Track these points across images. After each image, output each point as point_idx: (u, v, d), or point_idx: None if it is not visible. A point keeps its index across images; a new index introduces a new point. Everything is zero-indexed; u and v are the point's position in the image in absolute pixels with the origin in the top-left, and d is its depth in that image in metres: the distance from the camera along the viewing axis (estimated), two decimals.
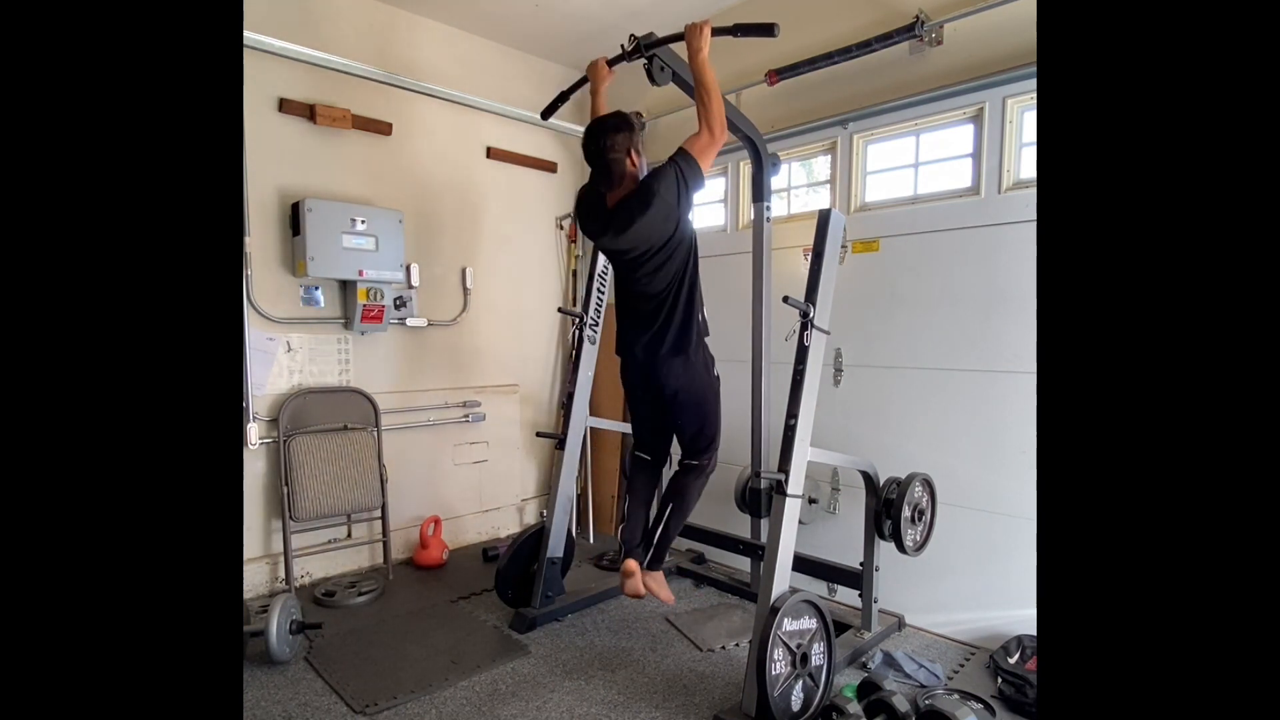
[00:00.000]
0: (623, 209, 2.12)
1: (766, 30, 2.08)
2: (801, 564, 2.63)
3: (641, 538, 2.43)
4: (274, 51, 2.95)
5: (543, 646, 2.60)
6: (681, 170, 2.08)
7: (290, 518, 3.01)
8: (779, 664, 2.01)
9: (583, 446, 3.59)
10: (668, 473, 2.59)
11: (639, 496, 2.51)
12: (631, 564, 2.34)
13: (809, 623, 2.12)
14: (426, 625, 2.77)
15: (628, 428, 3.56)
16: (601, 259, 2.81)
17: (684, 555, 3.52)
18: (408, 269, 3.41)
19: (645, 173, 2.15)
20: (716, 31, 2.12)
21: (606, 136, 2.09)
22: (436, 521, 3.47)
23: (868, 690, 2.07)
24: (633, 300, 2.29)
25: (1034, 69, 2.40)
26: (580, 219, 2.31)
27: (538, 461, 4.16)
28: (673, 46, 2.26)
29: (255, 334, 2.98)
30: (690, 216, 2.20)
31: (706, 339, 2.31)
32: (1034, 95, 2.48)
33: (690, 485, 2.35)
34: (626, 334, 2.34)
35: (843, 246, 2.75)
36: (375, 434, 3.28)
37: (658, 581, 2.40)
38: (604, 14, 3.42)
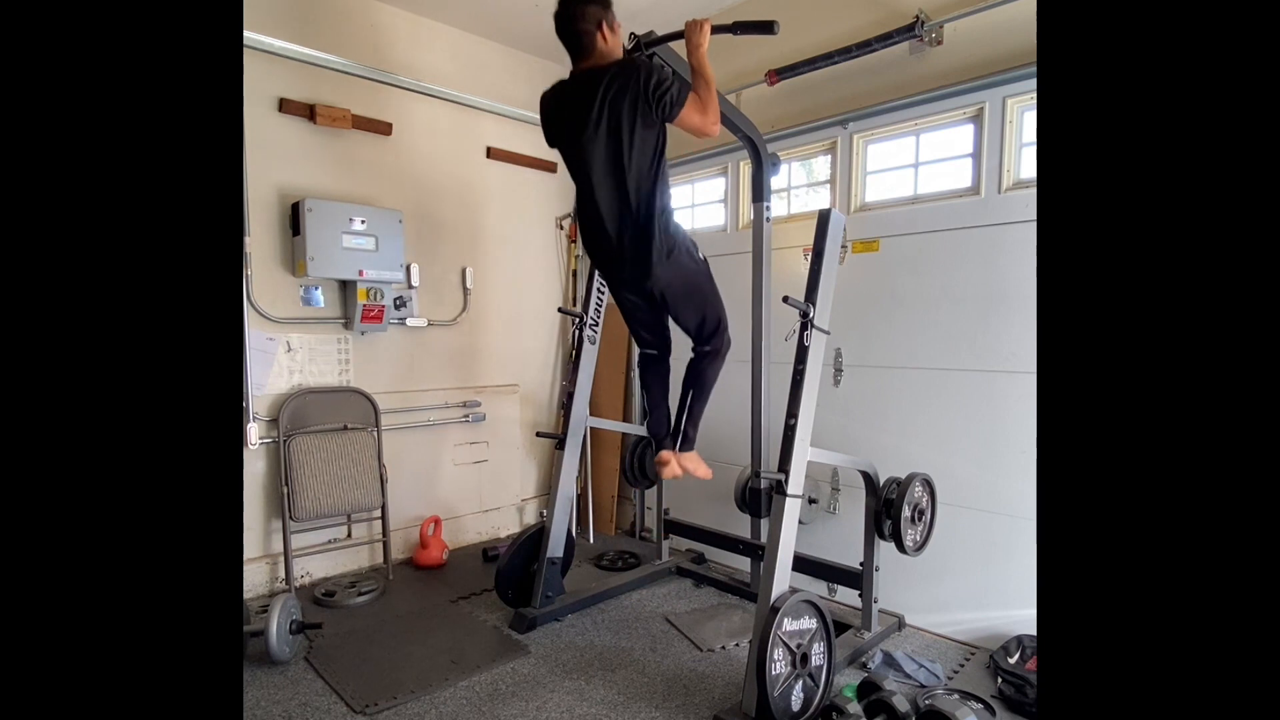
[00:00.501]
0: (585, 77, 2.00)
1: (766, 28, 2.08)
2: (801, 564, 2.63)
3: (668, 428, 2.41)
4: (274, 51, 2.95)
5: (543, 646, 2.60)
6: (675, 80, 1.95)
7: (290, 518, 3.00)
8: (779, 664, 2.01)
9: (583, 446, 3.59)
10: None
11: (654, 391, 2.48)
12: (666, 454, 2.33)
13: (809, 623, 2.12)
14: (426, 625, 2.77)
15: (628, 428, 3.57)
16: None
17: (684, 555, 3.52)
18: (408, 269, 3.41)
19: (621, 55, 2.04)
20: (716, 29, 2.11)
21: (576, 5, 2.01)
22: (436, 521, 3.47)
23: (868, 690, 2.07)
24: (597, 233, 2.14)
25: (1034, 69, 2.40)
26: (545, 126, 2.19)
27: (538, 461, 4.16)
28: (672, 44, 2.26)
29: (255, 334, 2.98)
30: (664, 143, 2.05)
31: (677, 233, 2.14)
32: (1034, 95, 2.47)
33: (707, 369, 2.33)
34: (606, 271, 2.26)
35: (843, 246, 2.75)
36: (375, 434, 3.28)
37: (694, 460, 2.38)
38: None
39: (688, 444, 2.38)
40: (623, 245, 2.11)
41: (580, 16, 2.00)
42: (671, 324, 2.41)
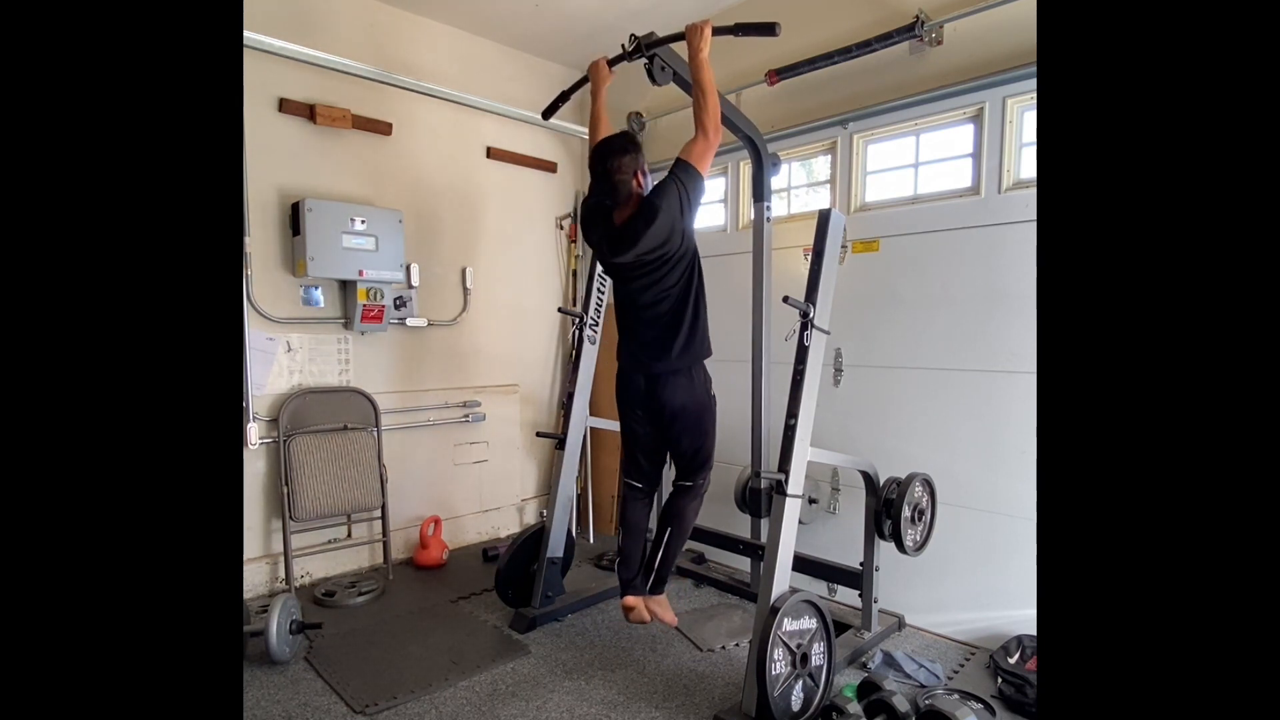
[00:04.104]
0: (629, 228, 2.13)
1: (767, 30, 2.08)
2: (801, 564, 2.63)
3: (638, 570, 2.41)
4: (274, 51, 2.95)
5: (543, 646, 2.60)
6: (682, 183, 2.09)
7: (290, 518, 3.00)
8: (779, 664, 2.01)
9: (583, 446, 3.59)
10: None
11: (633, 528, 2.46)
12: (630, 600, 2.35)
13: (809, 623, 2.12)
14: (426, 625, 2.77)
15: None
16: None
17: (684, 555, 3.52)
18: (408, 269, 3.41)
19: (649, 190, 2.16)
20: (717, 31, 2.12)
21: (614, 159, 2.12)
22: (436, 521, 3.47)
23: (868, 690, 2.07)
24: (636, 317, 2.28)
25: (1034, 69, 2.40)
26: (585, 231, 2.32)
27: (538, 461, 4.16)
28: (673, 46, 2.26)
29: (255, 334, 2.98)
30: (693, 229, 2.20)
31: (707, 361, 2.30)
32: (1034, 95, 2.47)
33: (687, 507, 2.35)
34: (630, 351, 2.33)
35: (843, 246, 2.75)
36: (375, 434, 3.28)
37: (661, 605, 2.40)
38: (604, 14, 3.42)
39: (659, 586, 2.39)
40: (658, 345, 2.24)
41: (619, 169, 2.13)
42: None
